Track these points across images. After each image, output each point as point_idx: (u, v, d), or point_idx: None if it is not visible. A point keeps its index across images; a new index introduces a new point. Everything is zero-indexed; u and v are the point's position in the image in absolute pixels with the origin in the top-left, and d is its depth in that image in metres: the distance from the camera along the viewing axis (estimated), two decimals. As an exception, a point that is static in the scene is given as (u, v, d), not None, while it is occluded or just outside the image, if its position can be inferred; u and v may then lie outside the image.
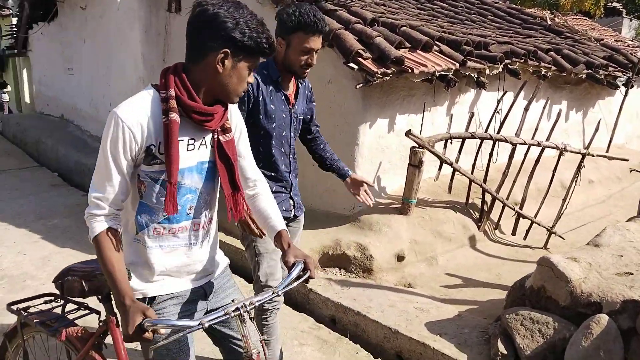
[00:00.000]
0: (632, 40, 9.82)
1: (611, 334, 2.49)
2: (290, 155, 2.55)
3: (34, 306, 2.08)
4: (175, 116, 1.51)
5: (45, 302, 2.13)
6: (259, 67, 2.24)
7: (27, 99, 14.22)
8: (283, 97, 2.42)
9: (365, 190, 2.79)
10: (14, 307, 2.06)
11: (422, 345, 2.97)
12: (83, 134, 8.70)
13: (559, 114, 4.71)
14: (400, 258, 4.03)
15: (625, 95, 6.53)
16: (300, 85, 2.52)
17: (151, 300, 1.68)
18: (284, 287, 1.61)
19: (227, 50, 1.50)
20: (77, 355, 1.91)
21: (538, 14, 7.84)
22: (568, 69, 5.60)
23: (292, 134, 2.52)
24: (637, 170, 3.77)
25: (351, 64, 3.86)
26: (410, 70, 3.95)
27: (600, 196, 5.93)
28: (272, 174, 2.46)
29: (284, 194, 2.53)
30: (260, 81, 2.35)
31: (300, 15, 2.23)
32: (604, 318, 2.54)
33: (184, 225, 1.68)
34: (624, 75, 6.46)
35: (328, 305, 3.50)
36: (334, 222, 4.30)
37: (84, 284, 1.90)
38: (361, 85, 3.87)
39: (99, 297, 1.92)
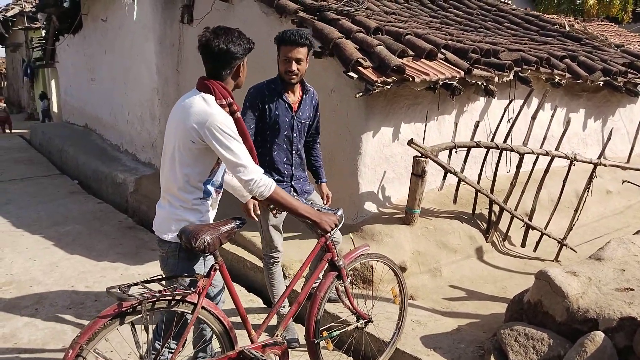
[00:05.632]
0: (660, 46, 9.49)
1: (606, 353, 2.39)
2: (293, 152, 3.10)
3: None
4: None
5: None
6: (267, 83, 3.02)
7: (55, 108, 14.67)
8: (286, 105, 3.00)
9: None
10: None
11: (414, 360, 2.91)
12: (104, 143, 8.89)
13: (568, 122, 4.57)
14: (402, 269, 3.95)
15: (647, 102, 6.32)
16: (305, 95, 3.07)
17: None
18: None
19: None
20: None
21: (557, 20, 7.66)
22: (583, 76, 5.44)
23: (294, 134, 3.07)
24: (630, 182, 3.59)
25: (351, 73, 3.83)
26: (411, 79, 3.89)
27: (618, 207, 5.71)
28: (273, 166, 3.06)
29: (285, 183, 3.09)
30: (267, 93, 2.97)
31: (282, 33, 2.86)
32: (599, 335, 2.43)
33: None
34: (645, 82, 6.23)
35: (324, 317, 3.45)
36: (336, 232, 4.25)
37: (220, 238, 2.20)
38: (361, 94, 3.84)
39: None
